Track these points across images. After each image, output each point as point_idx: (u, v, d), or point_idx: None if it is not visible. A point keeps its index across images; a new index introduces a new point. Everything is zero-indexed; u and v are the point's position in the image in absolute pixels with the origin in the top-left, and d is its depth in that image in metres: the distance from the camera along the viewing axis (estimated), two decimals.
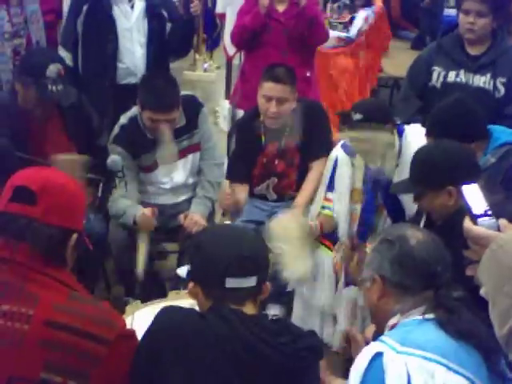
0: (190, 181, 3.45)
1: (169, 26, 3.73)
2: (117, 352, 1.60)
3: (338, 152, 3.22)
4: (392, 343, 1.65)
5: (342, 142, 3.23)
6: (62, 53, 3.68)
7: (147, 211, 3.15)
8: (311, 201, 3.35)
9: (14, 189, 1.64)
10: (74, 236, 1.68)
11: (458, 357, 1.64)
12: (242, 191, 3.42)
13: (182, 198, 3.45)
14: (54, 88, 2.97)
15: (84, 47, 3.70)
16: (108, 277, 3.50)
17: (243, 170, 3.48)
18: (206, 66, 7.25)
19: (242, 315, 1.64)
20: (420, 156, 2.54)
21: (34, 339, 1.54)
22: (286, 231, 3.02)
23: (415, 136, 3.01)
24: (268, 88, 3.32)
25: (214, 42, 7.27)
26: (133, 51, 3.69)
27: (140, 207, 3.22)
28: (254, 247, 1.73)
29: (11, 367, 1.53)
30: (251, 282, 1.68)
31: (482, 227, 1.55)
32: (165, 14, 3.72)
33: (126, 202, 3.21)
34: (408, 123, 3.21)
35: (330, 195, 3.24)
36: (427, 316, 1.73)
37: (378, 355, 1.64)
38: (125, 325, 1.68)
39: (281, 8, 4.18)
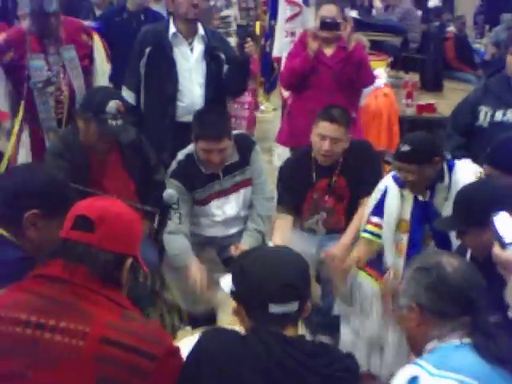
0: (242, 214, 3.56)
1: (226, 67, 3.87)
2: (164, 367, 1.68)
3: (388, 181, 3.28)
4: (427, 366, 1.70)
5: (392, 173, 3.29)
6: (126, 92, 3.85)
7: (196, 275, 3.26)
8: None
9: (75, 217, 1.77)
10: (129, 260, 1.79)
11: (492, 381, 1.68)
12: (285, 224, 3.53)
13: (234, 230, 3.56)
14: (113, 123, 3.14)
15: (146, 87, 3.87)
16: (167, 305, 3.59)
17: (292, 203, 3.57)
18: (262, 107, 7.45)
19: (280, 338, 1.70)
20: (465, 193, 2.54)
21: (89, 354, 1.63)
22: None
23: (465, 171, 3.05)
24: (323, 127, 3.44)
25: (271, 85, 7.49)
26: (192, 91, 3.84)
27: (190, 255, 3.34)
28: (296, 273, 1.78)
29: (67, 380, 1.62)
30: (294, 307, 1.74)
31: (511, 253, 1.61)
32: (222, 55, 3.86)
33: (179, 244, 3.35)
34: (458, 158, 3.27)
35: (374, 219, 3.29)
36: (464, 340, 1.76)
37: (414, 379, 1.69)
38: (171, 342, 1.77)
39: (329, 52, 4.32)
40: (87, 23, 4.71)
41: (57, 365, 1.62)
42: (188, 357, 1.74)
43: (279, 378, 1.64)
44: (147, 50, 3.80)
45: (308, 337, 3.36)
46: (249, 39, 3.69)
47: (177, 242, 3.36)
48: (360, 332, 3.28)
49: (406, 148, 3.02)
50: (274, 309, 1.72)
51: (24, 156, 3.90)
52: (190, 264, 3.30)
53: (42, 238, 1.99)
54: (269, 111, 7.46)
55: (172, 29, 3.81)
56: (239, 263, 1.86)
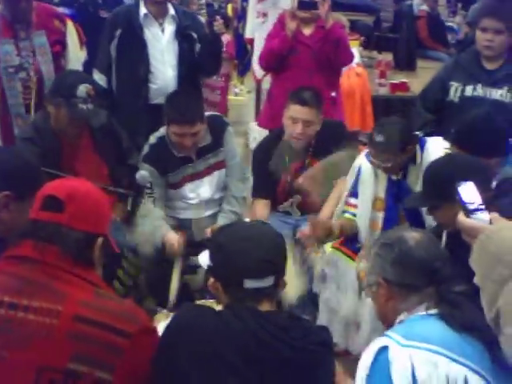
0: (216, 196, 3.58)
1: (198, 46, 3.86)
2: (139, 345, 1.69)
3: (361, 161, 3.31)
4: (396, 337, 1.73)
5: (366, 151, 3.32)
6: (97, 75, 3.84)
7: (174, 239, 3.26)
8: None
9: (44, 198, 1.78)
10: (100, 239, 1.80)
11: (461, 348, 1.71)
12: (262, 208, 3.53)
13: (209, 212, 3.58)
14: (84, 107, 3.13)
15: (118, 70, 3.86)
16: (140, 289, 3.61)
17: (267, 188, 3.59)
18: (236, 90, 7.43)
19: (255, 312, 1.72)
20: (433, 169, 2.58)
21: (63, 332, 1.64)
22: None
23: (436, 149, 3.08)
24: (295, 110, 3.45)
25: (244, 67, 7.46)
26: (164, 72, 3.83)
27: (168, 229, 3.32)
28: (272, 248, 1.79)
29: (41, 358, 1.63)
30: (269, 281, 1.76)
31: (474, 220, 1.65)
32: (194, 34, 3.85)
33: (154, 222, 3.32)
34: (428, 135, 3.30)
35: (352, 200, 3.34)
36: (430, 311, 1.80)
37: (384, 349, 1.72)
38: (146, 319, 1.78)
39: (307, 31, 4.31)
40: (61, 10, 4.66)
41: (31, 344, 1.64)
42: (163, 333, 1.76)
43: (254, 352, 1.66)
44: (118, 32, 3.79)
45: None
46: (217, 17, 3.68)
47: (150, 222, 3.30)
48: (336, 310, 3.32)
49: (379, 138, 3.04)
50: (250, 284, 1.74)
51: None
52: (168, 236, 3.27)
53: (15, 220, 2.00)
54: (243, 94, 7.45)
55: (142, 10, 3.80)
56: (216, 238, 1.87)
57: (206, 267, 1.88)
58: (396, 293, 1.88)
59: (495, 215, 1.66)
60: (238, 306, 1.73)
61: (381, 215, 3.26)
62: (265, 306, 1.76)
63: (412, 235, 1.91)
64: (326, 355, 1.76)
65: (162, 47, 3.83)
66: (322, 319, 3.39)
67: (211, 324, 1.71)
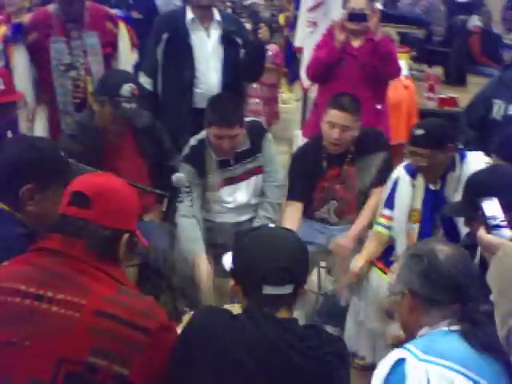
0: (253, 201, 3.60)
1: (242, 51, 3.90)
2: (159, 342, 1.71)
3: (399, 172, 3.30)
4: (415, 350, 1.72)
5: (404, 163, 3.32)
6: (143, 78, 3.90)
7: (203, 263, 3.30)
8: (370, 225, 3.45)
9: (72, 193, 1.82)
10: (126, 236, 1.82)
11: (479, 368, 1.69)
12: (293, 211, 3.55)
13: (244, 217, 3.61)
14: (127, 106, 3.19)
15: (163, 73, 3.91)
16: (173, 290, 3.65)
17: (301, 191, 3.60)
18: (284, 97, 7.46)
19: (272, 318, 1.72)
20: (474, 179, 2.53)
21: (84, 326, 1.67)
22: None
23: (477, 163, 3.04)
24: (332, 115, 3.46)
25: (294, 76, 7.48)
26: (209, 77, 3.88)
27: (200, 247, 3.36)
28: (293, 257, 1.79)
29: (62, 350, 1.66)
30: (288, 289, 1.75)
31: (495, 236, 1.63)
32: (239, 40, 3.89)
33: (190, 233, 3.38)
34: (466, 148, 3.28)
35: (386, 212, 3.32)
36: (452, 328, 1.79)
37: (401, 361, 1.71)
38: (165, 317, 1.79)
39: (356, 43, 4.30)
40: (114, 12, 4.76)
41: (53, 335, 1.67)
42: (180, 334, 1.77)
43: (267, 358, 1.66)
44: (164, 37, 3.84)
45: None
46: (262, 24, 3.72)
47: (189, 228, 3.40)
48: (365, 323, 3.30)
49: (419, 131, 3.04)
50: (268, 290, 1.74)
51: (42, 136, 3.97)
52: (199, 260, 3.31)
53: (43, 210, 2.03)
54: (291, 102, 7.48)
55: (189, 14, 3.85)
56: (239, 241, 1.87)
57: (228, 269, 1.89)
58: (420, 305, 1.87)
59: None
60: (255, 311, 1.74)
61: (416, 227, 3.24)
62: (282, 314, 1.76)
63: (443, 249, 1.88)
64: (341, 366, 1.74)
65: (208, 52, 3.88)
66: (349, 332, 3.37)
67: (227, 327, 1.72)
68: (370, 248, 3.33)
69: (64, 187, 1.89)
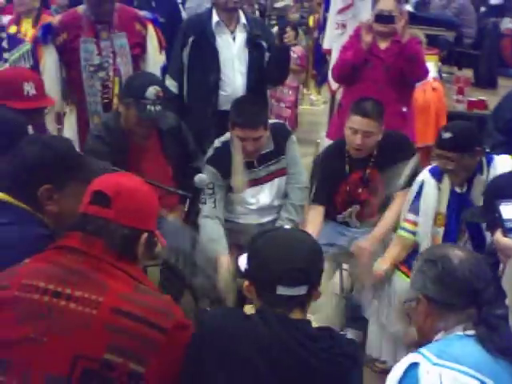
0: (276, 203, 3.61)
1: (267, 55, 3.91)
2: (174, 340, 1.73)
3: (424, 175, 3.28)
4: (429, 355, 1.72)
5: (429, 167, 3.30)
6: (168, 81, 3.93)
7: (225, 261, 3.30)
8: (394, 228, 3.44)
9: (93, 193, 1.85)
10: (145, 235, 1.85)
11: (493, 373, 1.68)
12: (316, 214, 3.56)
13: (267, 219, 3.61)
14: (152, 108, 3.22)
15: (189, 76, 3.94)
16: (195, 290, 3.67)
17: (324, 195, 3.59)
18: (312, 99, 7.46)
19: (284, 319, 1.73)
20: (495, 184, 2.53)
21: (101, 323, 1.69)
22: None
23: (504, 166, 3.03)
24: (355, 121, 3.45)
25: (322, 78, 7.48)
26: (234, 80, 3.90)
27: (223, 246, 3.37)
28: (307, 258, 1.79)
29: (78, 346, 1.68)
30: (301, 290, 1.76)
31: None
32: (264, 44, 3.91)
33: (213, 232, 3.40)
34: (494, 152, 3.24)
35: (410, 217, 3.30)
36: (468, 332, 1.78)
37: (414, 365, 1.71)
38: (182, 316, 1.81)
39: (383, 45, 4.28)
40: (143, 13, 4.81)
41: (70, 331, 1.69)
42: (192, 334, 1.78)
43: (279, 359, 1.67)
44: (190, 40, 3.88)
45: (339, 329, 3.43)
46: (288, 29, 3.73)
47: (212, 228, 3.42)
48: (386, 326, 3.29)
49: (447, 135, 3.02)
50: (282, 291, 1.75)
51: (70, 137, 4.00)
52: (221, 260, 3.32)
53: (63, 210, 2.05)
54: (319, 104, 7.47)
55: (215, 18, 3.88)
56: (254, 242, 1.89)
57: (243, 270, 1.90)
58: (435, 311, 1.86)
59: None
60: (268, 311, 1.75)
61: (441, 231, 3.22)
62: (296, 315, 1.77)
63: (457, 253, 1.88)
64: (353, 368, 1.74)
65: (233, 55, 3.91)
66: (371, 335, 3.37)
67: (239, 327, 1.73)
68: (394, 252, 3.32)
69: (83, 185, 1.92)
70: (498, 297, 1.84)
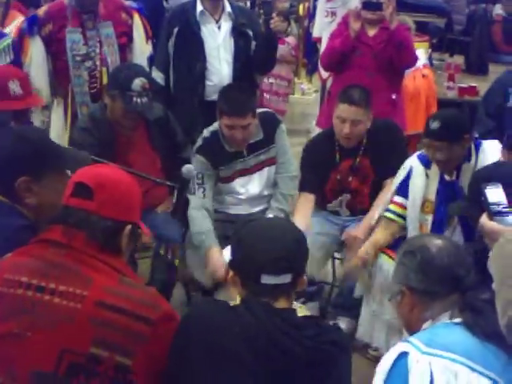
0: (265, 193, 3.59)
1: (254, 43, 3.88)
2: (160, 332, 1.71)
3: (413, 161, 3.26)
4: (418, 344, 1.70)
5: (418, 152, 3.28)
6: (155, 73, 3.89)
7: (215, 254, 3.26)
8: None
9: (74, 185, 1.81)
10: (128, 227, 1.82)
11: (483, 358, 1.67)
12: (305, 202, 3.53)
13: (257, 208, 3.60)
14: (138, 100, 3.19)
15: (175, 67, 3.90)
16: (187, 283, 3.66)
17: (314, 183, 3.58)
18: (303, 88, 7.43)
19: (270, 308, 1.72)
20: (478, 176, 2.48)
21: (86, 317, 1.67)
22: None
23: (492, 152, 3.02)
24: (342, 110, 3.44)
25: (313, 67, 7.43)
26: (220, 69, 3.87)
27: (212, 240, 3.34)
28: (290, 246, 1.78)
29: (64, 341, 1.66)
30: (286, 279, 1.74)
31: (497, 223, 1.61)
32: (250, 32, 3.87)
33: (202, 225, 3.37)
34: (485, 139, 3.23)
35: (397, 199, 3.28)
36: (455, 320, 1.77)
37: (404, 355, 1.69)
38: (168, 307, 1.80)
39: (371, 32, 4.28)
40: (128, 3, 4.77)
41: (54, 326, 1.67)
42: (178, 326, 1.77)
43: (264, 348, 1.66)
44: (175, 30, 3.84)
45: (331, 318, 3.41)
46: (274, 15, 3.69)
47: (200, 220, 3.39)
48: (379, 314, 3.28)
49: (435, 125, 3.00)
50: (266, 280, 1.73)
51: (58, 129, 3.99)
52: (210, 252, 3.29)
53: (42, 201, 2.02)
54: (310, 93, 7.44)
55: (199, 7, 3.83)
56: (237, 232, 1.88)
57: (228, 261, 1.89)
58: (420, 301, 1.87)
59: None
60: (253, 301, 1.74)
61: (430, 218, 3.20)
62: (281, 303, 1.76)
63: (435, 242, 1.90)
64: (340, 356, 1.73)
65: (218, 44, 3.87)
66: (363, 323, 3.35)
67: (224, 318, 1.72)
68: (379, 235, 3.29)
69: (62, 176, 1.88)
70: (485, 281, 1.83)
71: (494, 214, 1.69)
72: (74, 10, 3.82)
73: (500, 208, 1.69)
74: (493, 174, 2.36)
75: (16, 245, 1.82)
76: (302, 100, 7.34)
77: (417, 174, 3.23)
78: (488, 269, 1.79)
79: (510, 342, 1.42)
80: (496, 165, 2.57)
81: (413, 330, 1.90)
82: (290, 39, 6.83)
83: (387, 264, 3.22)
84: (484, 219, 1.68)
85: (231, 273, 1.83)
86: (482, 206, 1.75)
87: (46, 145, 2.13)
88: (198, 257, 3.36)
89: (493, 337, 1.68)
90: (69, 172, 2.04)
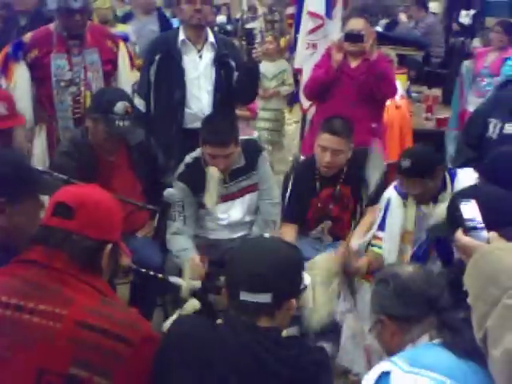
0: (247, 219, 3.59)
1: (236, 74, 3.90)
2: (140, 353, 1.71)
3: (390, 193, 3.30)
4: (400, 363, 1.70)
5: (394, 184, 3.32)
6: (137, 100, 3.87)
7: (197, 257, 3.27)
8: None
9: (55, 204, 1.82)
10: (109, 246, 1.82)
11: (465, 377, 1.67)
12: (289, 231, 3.55)
13: (238, 234, 3.58)
14: (121, 123, 3.19)
15: (155, 94, 3.89)
16: (166, 304, 3.63)
17: (296, 212, 3.60)
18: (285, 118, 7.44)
19: (251, 326, 1.72)
20: (456, 198, 2.54)
21: (65, 337, 1.66)
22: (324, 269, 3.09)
23: (467, 178, 3.05)
24: (324, 139, 3.48)
25: (294, 97, 7.49)
26: (200, 98, 3.88)
27: (193, 252, 3.33)
28: (272, 265, 1.76)
29: (42, 361, 1.65)
30: (265, 298, 1.73)
31: (471, 238, 1.63)
32: (232, 63, 3.89)
33: (182, 244, 3.36)
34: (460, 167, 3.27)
35: (380, 234, 3.31)
36: (434, 341, 1.79)
37: (386, 374, 1.69)
38: (150, 328, 1.80)
39: (354, 64, 4.35)
40: (114, 31, 4.81)
41: (33, 346, 1.66)
42: (161, 342, 1.76)
43: (246, 366, 1.66)
44: (157, 58, 3.85)
45: (311, 343, 3.39)
46: (256, 45, 3.73)
47: (182, 240, 3.38)
48: (360, 339, 3.27)
49: (406, 163, 3.06)
50: (245, 296, 1.74)
51: (41, 154, 3.98)
52: (191, 257, 3.27)
53: (15, 224, 2.02)
54: (290, 123, 7.49)
55: (181, 36, 3.86)
56: (232, 251, 1.94)
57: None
58: (399, 327, 1.91)
59: (494, 235, 1.64)
60: (235, 319, 1.74)
61: (409, 248, 3.22)
62: (263, 322, 1.75)
63: (405, 269, 1.98)
64: (322, 375, 1.73)
65: (199, 73, 3.87)
66: (345, 348, 3.33)
67: (206, 335, 1.72)
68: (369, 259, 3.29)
69: (36, 201, 1.87)
70: (460, 303, 1.85)
71: (469, 230, 1.72)
72: (59, 36, 3.86)
73: (474, 224, 1.73)
74: (469, 193, 2.44)
75: None
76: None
77: (394, 206, 3.27)
78: (463, 290, 1.82)
79: (486, 355, 1.43)
80: (474, 186, 2.60)
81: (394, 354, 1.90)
82: None
83: (367, 289, 3.23)
84: (459, 234, 1.71)
85: (224, 290, 1.85)
86: (458, 221, 1.77)
87: (25, 169, 2.15)
88: (175, 263, 3.33)
89: (472, 354, 1.69)
90: (45, 197, 2.04)
